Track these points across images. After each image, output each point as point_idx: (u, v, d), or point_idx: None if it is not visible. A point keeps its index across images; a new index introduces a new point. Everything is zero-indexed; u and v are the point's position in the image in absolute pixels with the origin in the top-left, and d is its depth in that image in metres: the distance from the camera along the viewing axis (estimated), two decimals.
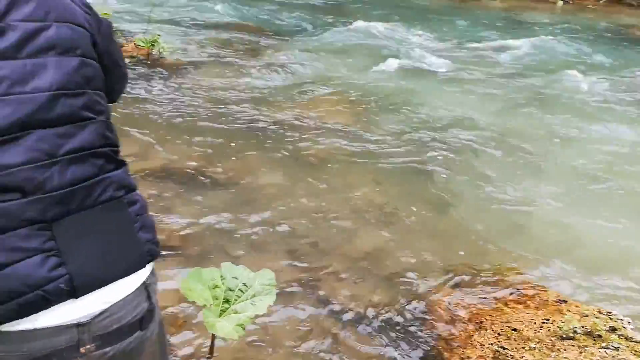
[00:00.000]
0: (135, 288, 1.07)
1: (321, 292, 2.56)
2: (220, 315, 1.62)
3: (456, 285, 2.53)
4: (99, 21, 1.13)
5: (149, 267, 1.11)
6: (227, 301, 1.65)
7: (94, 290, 1.00)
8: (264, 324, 2.25)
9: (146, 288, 1.10)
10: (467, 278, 2.59)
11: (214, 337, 1.67)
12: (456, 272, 2.65)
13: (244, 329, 1.56)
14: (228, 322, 1.57)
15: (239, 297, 1.66)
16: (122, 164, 1.12)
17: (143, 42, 5.61)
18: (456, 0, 10.72)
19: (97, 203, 1.03)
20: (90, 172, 1.03)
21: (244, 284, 1.68)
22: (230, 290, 1.67)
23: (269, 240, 2.96)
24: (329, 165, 3.79)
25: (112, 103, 1.28)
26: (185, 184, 3.42)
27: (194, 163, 3.65)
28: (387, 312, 2.41)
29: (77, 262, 0.98)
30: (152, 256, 1.11)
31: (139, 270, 1.08)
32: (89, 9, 1.12)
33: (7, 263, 0.93)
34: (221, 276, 1.70)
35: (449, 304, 2.35)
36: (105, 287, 1.02)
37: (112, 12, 6.72)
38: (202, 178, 3.49)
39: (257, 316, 1.61)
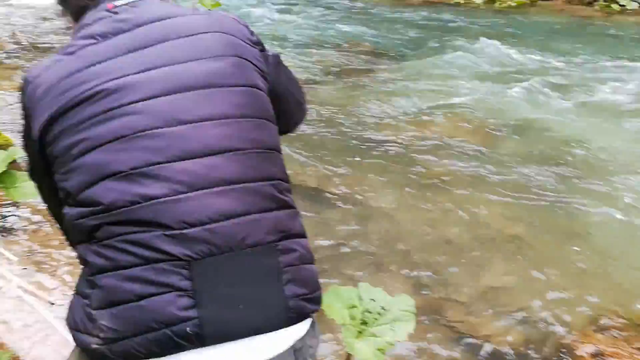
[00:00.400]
0: (278, 352, 0.96)
1: (446, 322, 2.44)
2: (357, 337, 1.56)
3: (601, 330, 2.29)
4: (266, 56, 1.16)
5: (301, 327, 1.00)
6: (364, 323, 1.59)
7: (222, 342, 0.93)
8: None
9: (295, 353, 0.98)
10: (613, 322, 2.33)
11: (349, 357, 1.61)
12: (600, 315, 2.40)
13: (383, 354, 1.49)
14: (367, 345, 1.51)
15: (377, 320, 1.60)
16: (284, 204, 1.03)
17: None
18: (580, 17, 10.04)
19: (243, 246, 0.95)
20: (238, 209, 0.97)
21: (383, 307, 1.61)
22: (368, 312, 1.61)
23: (388, 261, 2.89)
24: (453, 188, 3.64)
25: (286, 133, 1.30)
26: (304, 200, 3.44)
27: (312, 179, 3.68)
28: (522, 354, 2.23)
29: (210, 307, 0.92)
30: (300, 314, 0.99)
31: (279, 329, 0.97)
32: (256, 44, 1.14)
33: (142, 295, 0.92)
34: (359, 296, 1.64)
35: (596, 351, 2.12)
36: (238, 342, 0.94)
37: None
38: (321, 194, 3.50)
39: (397, 342, 1.53)
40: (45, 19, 7.74)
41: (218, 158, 0.98)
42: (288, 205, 1.05)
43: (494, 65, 6.40)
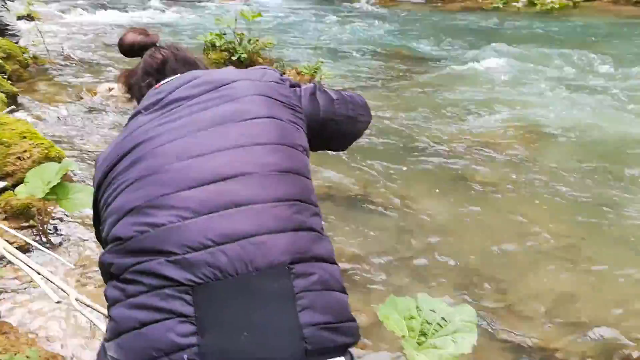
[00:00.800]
0: None
1: (504, 333, 2.35)
2: (416, 349, 1.50)
3: None
4: (295, 91, 1.23)
5: None
6: (423, 334, 1.53)
7: None
8: None
9: None
10: None
11: None
12: None
13: None
14: (428, 357, 1.45)
15: (437, 331, 1.53)
16: (302, 225, 0.97)
17: (306, 69, 5.81)
18: (627, 17, 9.66)
19: (250, 269, 0.90)
20: (244, 230, 0.92)
21: (443, 318, 1.55)
22: (427, 323, 1.55)
23: (435, 270, 2.81)
24: (500, 195, 3.54)
25: (344, 149, 1.42)
26: (347, 206, 3.41)
27: (356, 185, 3.64)
28: None
29: (212, 334, 0.86)
30: (322, 347, 0.89)
31: None
32: (283, 82, 1.21)
33: (145, 322, 0.88)
34: (417, 307, 1.58)
35: None
36: None
37: (277, 40, 7.10)
38: (365, 201, 3.45)
39: (461, 355, 1.46)
40: (96, 35, 7.99)
41: (226, 183, 0.97)
42: (308, 228, 0.99)
43: (539, 70, 6.23)
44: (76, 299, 1.48)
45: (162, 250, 0.92)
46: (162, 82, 1.23)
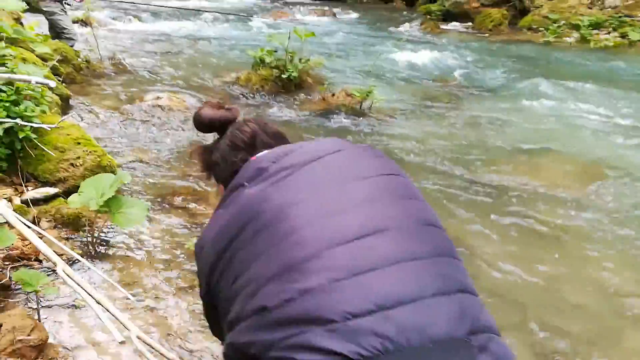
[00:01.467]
0: None
1: None
2: None
3: None
4: None
5: None
6: None
7: None
8: None
9: None
10: None
11: None
12: None
13: None
14: None
15: None
16: (466, 287, 0.87)
17: (358, 92, 5.68)
18: None
19: (424, 338, 0.77)
20: (410, 290, 0.82)
21: None
22: None
23: (507, 321, 2.59)
24: (564, 240, 3.31)
25: None
26: None
27: None
28: None
29: None
30: None
31: None
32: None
33: None
34: None
35: None
36: None
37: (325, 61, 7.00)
38: None
39: None
40: (147, 43, 8.05)
41: (375, 238, 0.87)
42: (471, 290, 0.88)
43: (593, 109, 5.97)
44: (137, 337, 1.33)
45: (317, 318, 0.78)
46: (257, 154, 1.18)
